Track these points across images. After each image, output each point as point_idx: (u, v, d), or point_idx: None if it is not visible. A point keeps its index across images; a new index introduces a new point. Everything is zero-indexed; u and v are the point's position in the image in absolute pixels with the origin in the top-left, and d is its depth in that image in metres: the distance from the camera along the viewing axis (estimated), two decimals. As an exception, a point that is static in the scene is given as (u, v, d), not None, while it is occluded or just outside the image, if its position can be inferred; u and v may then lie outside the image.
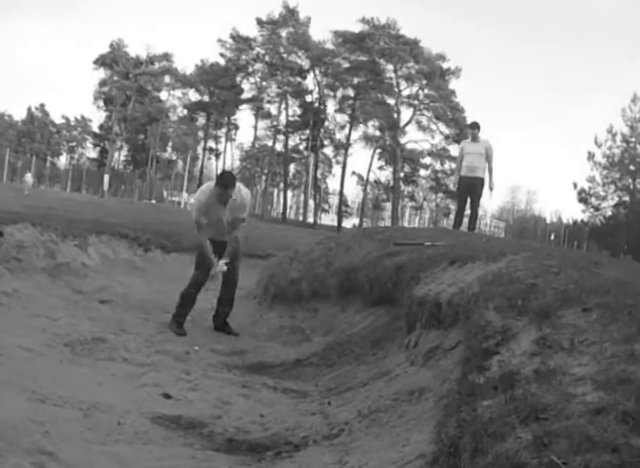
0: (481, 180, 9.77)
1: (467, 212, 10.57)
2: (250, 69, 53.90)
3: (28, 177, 35.02)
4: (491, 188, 9.89)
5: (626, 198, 37.45)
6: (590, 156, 37.28)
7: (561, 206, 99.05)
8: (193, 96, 56.27)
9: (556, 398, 2.16)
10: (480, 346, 3.01)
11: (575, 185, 37.41)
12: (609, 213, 37.57)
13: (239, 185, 6.32)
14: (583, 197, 37.49)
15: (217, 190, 6.16)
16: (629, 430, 1.93)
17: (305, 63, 52.80)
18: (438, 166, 51.00)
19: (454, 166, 35.49)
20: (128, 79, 54.93)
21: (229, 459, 3.08)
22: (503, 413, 2.09)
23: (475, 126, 10.11)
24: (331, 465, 2.82)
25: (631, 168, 37.20)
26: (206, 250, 6.30)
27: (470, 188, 9.80)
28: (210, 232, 6.33)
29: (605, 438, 1.87)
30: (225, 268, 6.32)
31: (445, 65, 50.46)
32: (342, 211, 52.43)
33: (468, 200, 10.03)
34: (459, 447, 2.09)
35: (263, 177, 56.16)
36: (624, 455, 1.78)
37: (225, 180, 6.23)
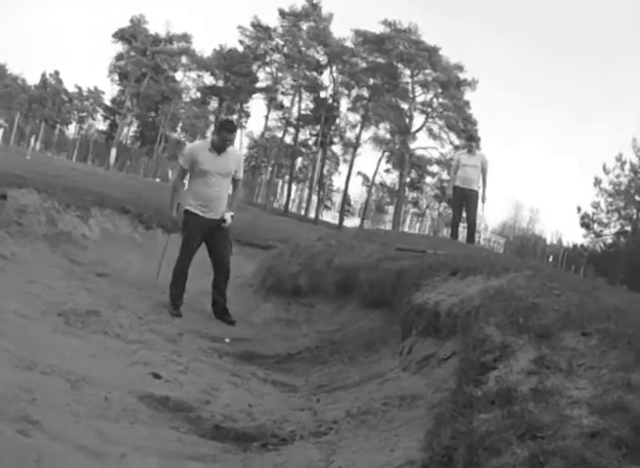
0: (476, 193, 9.86)
1: (465, 224, 10.61)
2: (267, 59, 53.75)
3: (31, 143, 35.73)
4: (483, 201, 9.97)
5: (628, 228, 37.45)
6: (597, 182, 37.25)
7: (562, 227, 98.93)
8: (208, 79, 56.19)
9: (553, 418, 2.15)
10: (478, 359, 3.01)
11: (579, 209, 37.39)
12: (609, 240, 37.56)
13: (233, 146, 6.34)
14: (586, 222, 37.46)
15: (217, 137, 6.10)
16: (622, 456, 1.94)
17: (323, 59, 52.67)
18: (445, 175, 50.98)
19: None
20: (145, 56, 54.78)
21: (215, 446, 3.06)
22: (500, 428, 2.09)
23: (472, 138, 10.14)
24: (317, 462, 2.81)
25: (637, 198, 37.19)
26: (174, 194, 6.42)
27: (465, 200, 9.87)
28: (199, 190, 6.24)
29: (599, 462, 1.87)
30: (230, 220, 6.32)
31: (462, 76, 50.42)
32: (345, 209, 52.40)
33: (464, 212, 10.10)
34: (452, 457, 2.08)
35: (269, 168, 56.12)
36: (617, 481, 1.78)
37: (227, 125, 6.19)
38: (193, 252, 6.40)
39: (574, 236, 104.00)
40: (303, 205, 56.85)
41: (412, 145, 50.86)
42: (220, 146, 6.10)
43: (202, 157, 6.15)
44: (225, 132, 6.07)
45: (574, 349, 2.97)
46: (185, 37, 56.38)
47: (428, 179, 52.93)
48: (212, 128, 57.40)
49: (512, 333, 3.16)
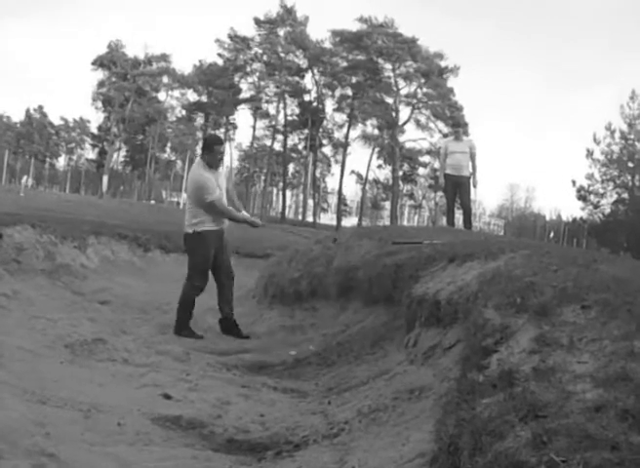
0: (467, 179, 9.91)
1: (460, 210, 10.70)
2: (248, 69, 53.86)
3: (24, 180, 35.86)
4: (474, 186, 10.03)
5: (625, 195, 37.46)
6: (589, 153, 37.31)
7: (560, 203, 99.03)
8: (191, 96, 56.30)
9: (555, 396, 2.15)
10: (479, 344, 3.01)
11: (574, 183, 37.46)
12: (608, 210, 37.58)
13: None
14: (582, 194, 37.50)
15: (210, 155, 6.07)
16: (629, 427, 1.92)
17: (303, 63, 52.79)
18: (437, 164, 50.98)
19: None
20: (126, 80, 54.84)
21: (230, 459, 3.08)
22: (503, 412, 2.09)
23: (459, 124, 10.21)
24: (331, 464, 2.82)
25: (630, 165, 37.21)
26: (233, 213, 6.27)
27: (457, 187, 9.93)
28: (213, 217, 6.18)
29: (604, 435, 1.86)
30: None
31: (443, 64, 50.51)
32: (342, 210, 52.44)
33: (458, 199, 10.18)
34: (458, 445, 2.08)
35: (262, 177, 56.19)
36: (624, 453, 1.78)
37: (217, 140, 6.26)
38: (207, 276, 6.38)
39: (572, 210, 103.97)
40: (300, 210, 56.89)
41: (401, 138, 51.03)
42: (217, 163, 6.15)
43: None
44: (219, 146, 6.17)
45: (574, 323, 2.97)
46: (164, 57, 56.45)
47: (421, 170, 53.11)
48: (200, 144, 57.50)
49: (511, 314, 3.17)
